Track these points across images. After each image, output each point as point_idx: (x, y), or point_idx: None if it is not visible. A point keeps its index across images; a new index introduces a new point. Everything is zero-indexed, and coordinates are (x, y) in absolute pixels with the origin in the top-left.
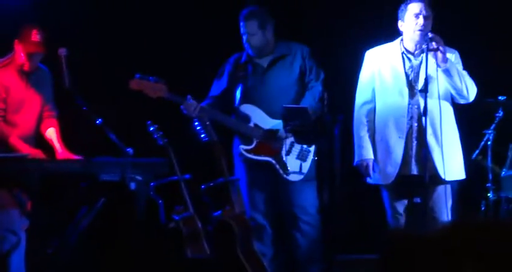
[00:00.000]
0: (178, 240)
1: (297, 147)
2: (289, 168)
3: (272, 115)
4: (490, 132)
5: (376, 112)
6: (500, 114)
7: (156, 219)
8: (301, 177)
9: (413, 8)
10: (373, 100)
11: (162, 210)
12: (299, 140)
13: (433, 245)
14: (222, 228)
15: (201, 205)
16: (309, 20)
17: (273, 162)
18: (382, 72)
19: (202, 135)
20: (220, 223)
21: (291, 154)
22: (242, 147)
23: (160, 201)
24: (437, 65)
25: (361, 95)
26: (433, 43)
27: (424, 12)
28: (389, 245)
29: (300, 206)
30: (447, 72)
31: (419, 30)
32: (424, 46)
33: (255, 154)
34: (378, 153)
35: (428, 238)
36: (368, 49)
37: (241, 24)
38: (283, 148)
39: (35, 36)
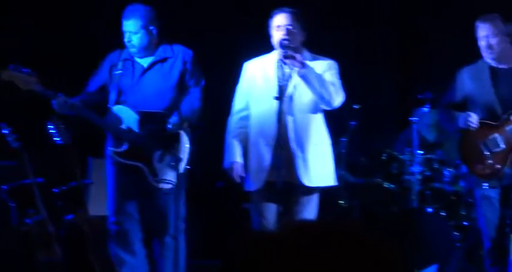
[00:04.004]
0: (30, 243)
1: (169, 155)
2: (159, 175)
3: None
4: (344, 140)
5: (250, 120)
6: (355, 122)
7: (7, 222)
8: (171, 185)
9: (275, 21)
10: (247, 108)
11: (14, 213)
12: (155, 145)
13: (273, 245)
14: (74, 232)
15: (53, 209)
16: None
17: (143, 167)
18: (257, 81)
19: (56, 138)
20: (72, 227)
21: (163, 161)
22: (112, 149)
23: (12, 204)
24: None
25: (236, 103)
26: (288, 51)
27: (285, 22)
28: (235, 247)
29: (167, 214)
30: (304, 78)
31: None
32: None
33: (125, 158)
34: (250, 160)
35: (270, 237)
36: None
37: (123, 22)
38: (156, 155)
39: None
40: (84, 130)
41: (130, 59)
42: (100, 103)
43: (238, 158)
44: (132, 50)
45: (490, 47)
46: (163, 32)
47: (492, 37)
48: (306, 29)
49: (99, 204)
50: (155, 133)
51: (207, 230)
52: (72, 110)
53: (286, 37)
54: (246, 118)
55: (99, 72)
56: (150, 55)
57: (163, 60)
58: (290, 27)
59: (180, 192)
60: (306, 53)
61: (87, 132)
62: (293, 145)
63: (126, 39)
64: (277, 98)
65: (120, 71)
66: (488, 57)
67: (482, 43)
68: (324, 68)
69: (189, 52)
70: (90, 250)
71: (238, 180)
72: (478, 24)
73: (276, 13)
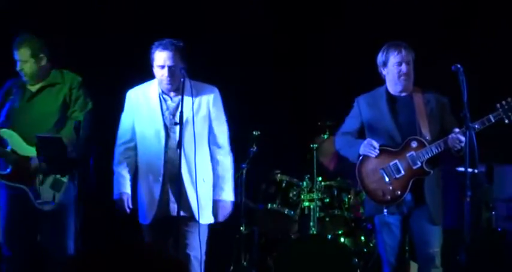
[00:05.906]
0: None
1: (51, 177)
2: (41, 197)
3: (30, 142)
4: (244, 166)
5: (138, 153)
6: (255, 149)
7: None
8: (53, 207)
9: (157, 59)
10: (133, 139)
11: None
12: (52, 170)
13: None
14: None
15: None
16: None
17: (26, 189)
18: (141, 111)
19: None
20: None
21: (44, 183)
22: None
23: None
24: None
25: (120, 135)
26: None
27: (168, 62)
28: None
29: (53, 238)
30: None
31: (164, 80)
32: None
33: (9, 180)
34: (141, 194)
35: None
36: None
37: (14, 51)
38: (38, 177)
39: None
40: None
41: (23, 86)
42: None
43: (127, 189)
44: (25, 78)
45: (408, 74)
46: (55, 59)
47: (411, 64)
48: (186, 60)
49: None
50: (53, 158)
51: None
52: None
53: (169, 80)
54: (132, 148)
55: None
56: (41, 81)
57: (51, 85)
58: (172, 67)
59: (65, 214)
60: (187, 82)
61: None
62: (183, 180)
63: (18, 68)
64: (175, 124)
65: (12, 97)
66: (400, 84)
67: (401, 69)
68: (210, 101)
69: (78, 78)
70: None
71: (127, 211)
72: (390, 52)
73: (157, 48)
